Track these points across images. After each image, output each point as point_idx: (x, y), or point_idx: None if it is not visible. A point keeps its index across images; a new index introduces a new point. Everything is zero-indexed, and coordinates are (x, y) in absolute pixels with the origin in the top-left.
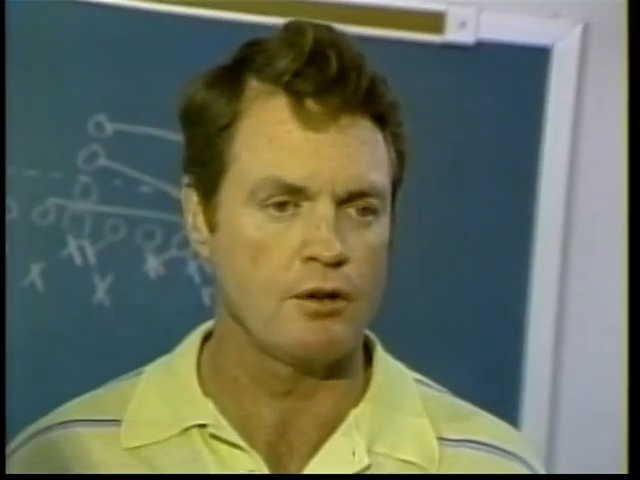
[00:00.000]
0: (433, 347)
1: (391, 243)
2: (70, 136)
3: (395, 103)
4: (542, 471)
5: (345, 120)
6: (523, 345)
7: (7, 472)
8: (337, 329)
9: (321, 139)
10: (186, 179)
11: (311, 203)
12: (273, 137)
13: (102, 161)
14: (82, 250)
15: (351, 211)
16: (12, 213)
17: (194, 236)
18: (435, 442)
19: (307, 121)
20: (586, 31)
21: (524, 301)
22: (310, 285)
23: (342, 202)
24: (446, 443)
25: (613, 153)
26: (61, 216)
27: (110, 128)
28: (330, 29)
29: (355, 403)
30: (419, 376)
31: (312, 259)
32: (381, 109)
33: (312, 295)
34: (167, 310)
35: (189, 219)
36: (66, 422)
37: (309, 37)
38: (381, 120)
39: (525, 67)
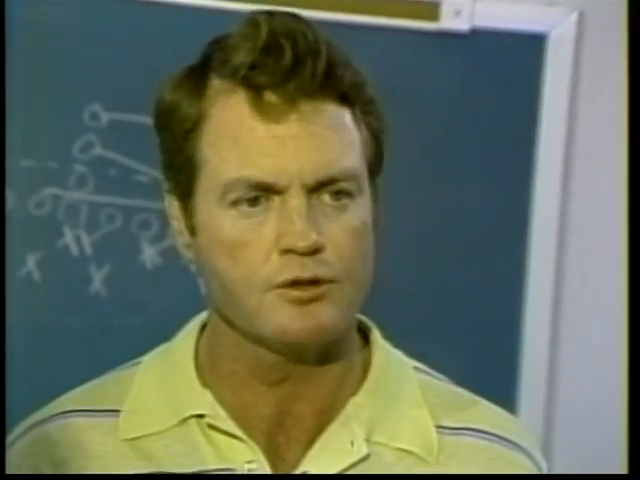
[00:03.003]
0: (429, 336)
1: (376, 222)
2: (65, 126)
3: (358, 82)
4: (542, 461)
5: (305, 108)
6: (520, 336)
7: (7, 462)
8: (323, 312)
9: (284, 131)
10: (165, 185)
11: (282, 196)
12: (237, 136)
13: (98, 151)
14: (78, 240)
15: (325, 197)
16: (8, 203)
17: (179, 240)
18: (434, 431)
19: (267, 114)
20: (581, 18)
21: (521, 291)
22: (289, 275)
23: (313, 190)
24: (445, 432)
25: (609, 140)
26: (57, 206)
27: (105, 117)
28: (287, 17)
29: (354, 391)
30: (418, 364)
31: (289, 251)
32: (343, 89)
33: (293, 284)
34: (164, 300)
35: (174, 224)
36: (65, 413)
37: (263, 29)
38: (347, 100)
39: (520, 55)
